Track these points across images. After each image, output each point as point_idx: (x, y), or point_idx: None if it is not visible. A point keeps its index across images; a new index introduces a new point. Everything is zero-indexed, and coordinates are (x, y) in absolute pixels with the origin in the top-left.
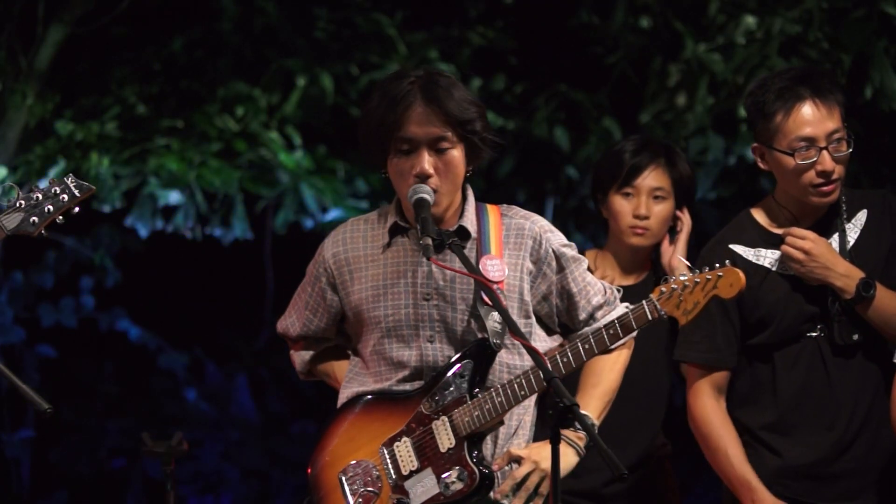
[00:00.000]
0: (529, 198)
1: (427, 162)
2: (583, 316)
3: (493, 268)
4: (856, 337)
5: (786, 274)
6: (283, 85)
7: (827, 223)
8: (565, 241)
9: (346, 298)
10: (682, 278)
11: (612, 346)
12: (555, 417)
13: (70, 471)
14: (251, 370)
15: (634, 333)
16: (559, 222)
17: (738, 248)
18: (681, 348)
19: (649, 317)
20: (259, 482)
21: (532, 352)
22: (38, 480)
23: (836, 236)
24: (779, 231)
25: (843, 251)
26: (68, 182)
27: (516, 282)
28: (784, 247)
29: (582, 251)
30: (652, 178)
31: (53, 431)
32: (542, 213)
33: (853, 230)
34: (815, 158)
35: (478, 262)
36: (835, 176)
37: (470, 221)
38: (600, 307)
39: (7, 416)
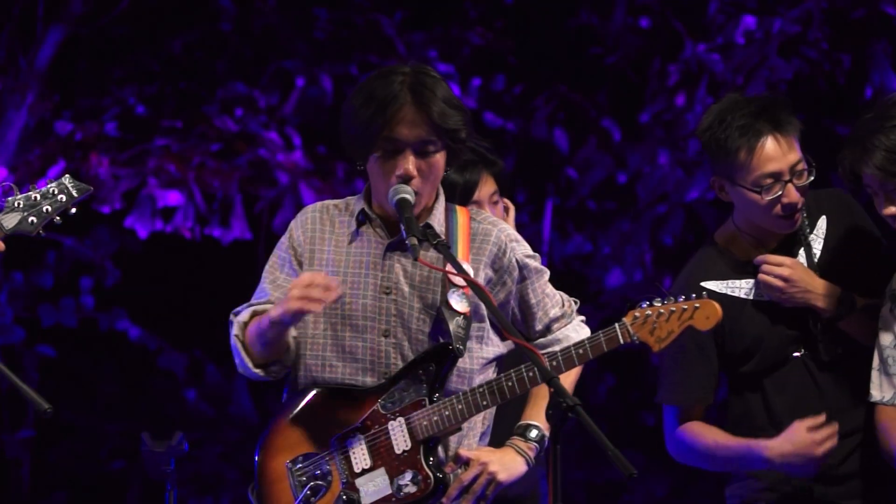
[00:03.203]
0: (529, 198)
1: (411, 164)
2: (539, 327)
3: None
4: (840, 350)
5: (763, 301)
6: (283, 85)
7: (791, 240)
8: (530, 251)
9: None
10: (656, 304)
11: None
12: (555, 417)
13: (70, 471)
14: None
15: None
16: (558, 222)
17: (711, 285)
18: (660, 390)
19: (621, 340)
20: None
21: (530, 352)
22: (38, 480)
23: (801, 251)
24: (748, 258)
25: (811, 265)
26: (66, 183)
27: None
28: (762, 276)
29: (581, 251)
30: (486, 186)
31: (53, 431)
32: (541, 213)
33: (817, 241)
34: (780, 192)
35: (445, 266)
36: (799, 206)
37: (438, 221)
38: (557, 319)
39: (7, 416)
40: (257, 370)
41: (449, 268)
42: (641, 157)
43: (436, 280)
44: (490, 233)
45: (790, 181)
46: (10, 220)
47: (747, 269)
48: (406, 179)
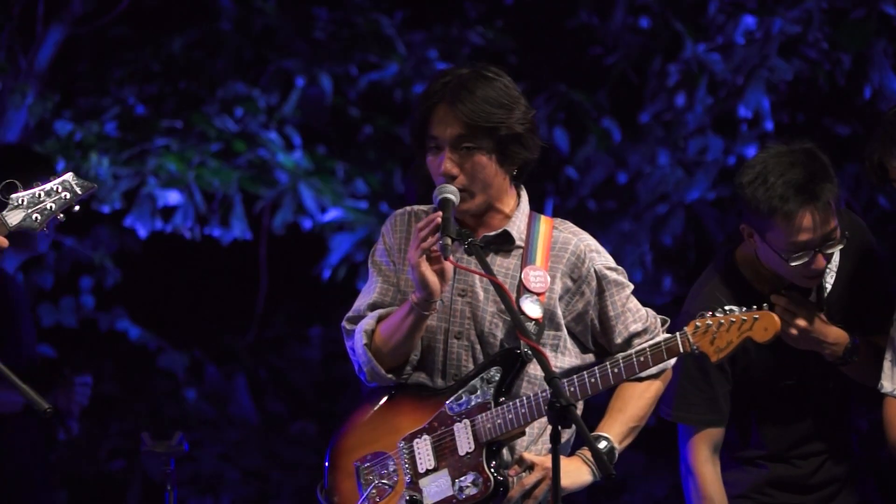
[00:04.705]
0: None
1: (448, 161)
2: (619, 341)
3: (537, 279)
4: (832, 385)
5: None
6: (282, 85)
7: None
8: (612, 263)
9: (399, 276)
10: (717, 315)
11: (643, 374)
12: (553, 417)
13: (70, 471)
14: (250, 371)
15: (667, 365)
16: None
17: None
18: (679, 409)
19: (681, 349)
20: (258, 483)
21: (536, 352)
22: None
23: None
24: (765, 292)
25: (821, 300)
26: (70, 180)
27: (552, 294)
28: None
29: None
30: None
31: (53, 431)
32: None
33: (829, 274)
34: (808, 259)
35: (522, 271)
36: (824, 268)
37: (517, 228)
38: (638, 334)
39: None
40: (390, 375)
41: (474, 266)
42: (641, 157)
43: (510, 285)
44: (570, 241)
45: (820, 251)
46: (14, 217)
47: (761, 300)
48: (449, 178)
